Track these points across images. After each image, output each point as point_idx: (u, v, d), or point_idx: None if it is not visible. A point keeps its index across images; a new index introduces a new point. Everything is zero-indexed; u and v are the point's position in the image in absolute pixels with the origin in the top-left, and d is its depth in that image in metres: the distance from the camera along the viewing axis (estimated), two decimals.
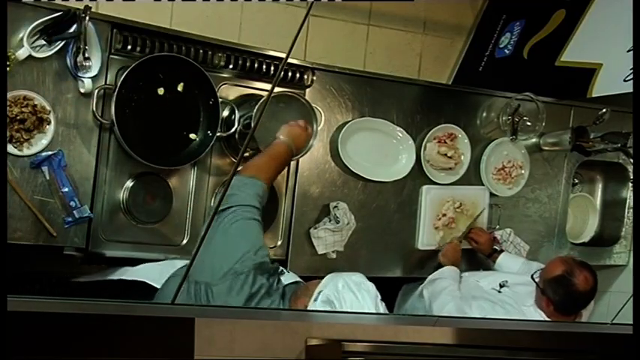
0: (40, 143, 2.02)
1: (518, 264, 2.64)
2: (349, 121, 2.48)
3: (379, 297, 1.70)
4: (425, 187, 2.66)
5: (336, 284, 1.68)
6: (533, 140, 2.83)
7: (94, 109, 2.06)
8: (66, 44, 2.01)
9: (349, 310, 1.62)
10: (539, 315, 2.29)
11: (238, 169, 1.98)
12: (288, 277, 1.91)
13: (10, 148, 1.97)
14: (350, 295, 1.65)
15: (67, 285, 2.40)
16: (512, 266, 2.63)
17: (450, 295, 2.38)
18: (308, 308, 1.68)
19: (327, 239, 2.45)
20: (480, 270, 2.72)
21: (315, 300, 1.68)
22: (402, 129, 2.58)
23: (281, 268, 1.92)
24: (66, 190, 2.04)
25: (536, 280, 2.29)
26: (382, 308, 1.69)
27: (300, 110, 2.28)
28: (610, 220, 3.15)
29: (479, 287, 2.49)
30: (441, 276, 2.51)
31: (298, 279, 1.94)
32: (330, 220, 2.47)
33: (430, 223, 2.67)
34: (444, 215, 2.69)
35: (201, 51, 2.21)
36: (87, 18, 1.98)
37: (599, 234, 3.16)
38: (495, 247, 2.70)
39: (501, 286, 2.45)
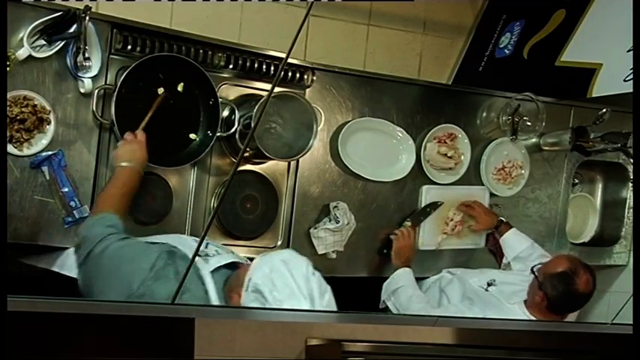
0: (40, 143, 2.01)
1: (524, 245, 2.61)
2: (349, 121, 2.48)
3: (311, 270, 1.58)
4: (425, 187, 2.66)
5: (263, 269, 1.56)
6: (533, 140, 2.83)
7: (94, 109, 2.06)
8: (66, 44, 2.01)
9: (280, 295, 1.51)
10: (523, 313, 2.28)
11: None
12: (220, 259, 1.73)
13: (10, 148, 1.97)
14: (279, 277, 1.53)
15: (66, 285, 2.40)
16: (519, 245, 2.61)
17: (421, 303, 2.40)
18: (242, 299, 1.55)
19: (327, 239, 2.45)
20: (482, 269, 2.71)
21: (247, 289, 1.55)
22: (402, 129, 2.58)
23: (206, 251, 1.75)
24: (66, 190, 2.04)
25: (536, 273, 2.28)
26: (316, 280, 1.56)
27: (300, 110, 2.28)
28: (610, 220, 3.15)
29: (467, 284, 2.49)
30: (399, 284, 2.48)
31: (232, 258, 1.76)
32: (330, 220, 2.47)
33: (430, 223, 2.67)
34: (451, 220, 2.69)
35: (201, 51, 2.21)
36: (87, 18, 1.98)
37: (599, 234, 3.16)
38: (501, 218, 2.67)
39: (489, 284, 2.45)
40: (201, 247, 1.75)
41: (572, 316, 2.32)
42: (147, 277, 1.62)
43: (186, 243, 1.81)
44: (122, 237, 1.74)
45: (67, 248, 2.10)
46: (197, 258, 1.69)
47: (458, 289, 2.49)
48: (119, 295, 1.62)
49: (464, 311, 2.33)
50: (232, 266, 1.73)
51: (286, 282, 1.53)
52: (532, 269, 2.30)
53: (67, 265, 2.06)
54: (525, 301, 2.31)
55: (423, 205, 2.65)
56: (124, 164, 1.96)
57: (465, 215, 2.70)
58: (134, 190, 1.97)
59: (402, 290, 2.47)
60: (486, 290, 2.44)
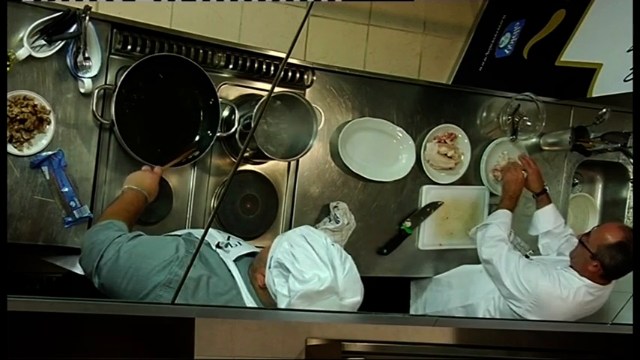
0: (40, 143, 2.01)
1: (559, 222, 2.65)
2: (349, 121, 2.48)
3: (330, 241, 1.67)
4: (425, 187, 2.66)
5: (283, 245, 1.64)
6: (533, 140, 2.82)
7: (94, 109, 2.06)
8: (66, 44, 2.01)
9: (301, 266, 1.58)
10: (573, 275, 2.33)
11: (239, 167, 1.96)
12: (241, 249, 1.82)
13: (10, 148, 1.97)
14: (299, 250, 1.61)
15: (66, 285, 2.40)
16: (555, 221, 2.64)
17: (502, 244, 2.44)
18: (266, 278, 1.64)
19: None
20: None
21: (270, 267, 1.64)
22: (402, 129, 2.58)
23: (227, 242, 1.82)
24: (66, 190, 2.04)
25: (586, 244, 2.31)
26: (336, 250, 1.65)
27: (300, 110, 2.28)
28: (610, 220, 3.15)
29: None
30: (490, 221, 2.54)
31: (253, 249, 1.86)
32: (330, 220, 2.46)
33: (430, 223, 2.67)
34: (447, 218, 2.69)
35: (201, 51, 2.21)
36: (87, 18, 1.98)
37: None
38: (546, 187, 2.69)
39: (527, 257, 2.50)
40: (223, 240, 1.82)
41: (611, 290, 2.40)
42: (172, 265, 1.66)
43: (201, 233, 1.85)
44: (133, 236, 1.75)
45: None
46: (218, 250, 1.77)
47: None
48: (146, 290, 1.65)
49: (529, 264, 2.38)
50: (253, 255, 1.80)
51: (307, 253, 1.61)
52: (580, 240, 2.35)
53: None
54: (572, 266, 2.37)
55: (422, 205, 2.65)
56: (132, 186, 1.98)
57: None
58: (138, 211, 1.98)
59: (492, 227, 2.51)
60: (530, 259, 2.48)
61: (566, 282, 2.31)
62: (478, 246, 2.52)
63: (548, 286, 2.31)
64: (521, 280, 2.33)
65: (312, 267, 1.59)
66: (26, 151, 2.00)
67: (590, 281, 2.32)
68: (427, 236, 2.67)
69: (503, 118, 2.71)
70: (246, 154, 2.29)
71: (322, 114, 2.38)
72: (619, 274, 2.33)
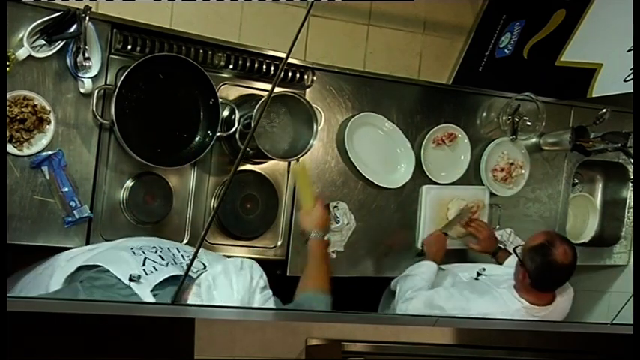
0: (40, 143, 2.01)
1: None
2: (354, 116, 2.48)
3: (261, 285, 1.53)
4: (425, 187, 2.65)
5: (217, 266, 1.55)
6: (533, 140, 2.82)
7: (94, 109, 2.06)
8: (66, 44, 2.01)
9: (217, 297, 1.47)
10: (512, 295, 2.25)
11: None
12: (158, 274, 1.66)
13: (10, 148, 1.97)
14: (222, 280, 1.50)
15: None
16: None
17: (416, 293, 2.36)
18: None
19: None
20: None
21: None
22: (406, 141, 2.58)
23: (142, 270, 1.67)
24: (66, 190, 2.04)
25: (518, 252, 2.25)
26: (258, 298, 1.51)
27: (300, 110, 2.28)
28: (610, 220, 3.15)
29: (457, 277, 2.48)
30: (412, 272, 2.47)
31: (177, 271, 1.70)
32: (330, 220, 2.46)
33: (430, 223, 2.67)
34: (447, 219, 2.69)
35: (201, 51, 2.21)
36: (87, 18, 1.98)
37: (599, 234, 3.16)
38: (500, 245, 2.65)
39: (479, 274, 2.45)
40: (137, 267, 1.70)
41: (561, 309, 2.29)
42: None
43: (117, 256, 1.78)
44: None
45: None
46: (132, 284, 1.61)
47: (449, 280, 2.49)
48: None
49: (453, 294, 2.31)
50: (177, 278, 1.64)
51: (225, 288, 1.50)
52: (514, 249, 2.28)
53: None
54: (515, 286, 2.28)
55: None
56: (311, 234, 2.07)
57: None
58: (327, 256, 2.12)
59: (410, 278, 2.44)
60: (476, 279, 2.43)
61: (504, 303, 2.24)
62: (395, 301, 2.43)
63: (482, 309, 2.23)
64: (451, 313, 2.25)
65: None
66: (26, 151, 2.00)
67: (528, 303, 2.21)
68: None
69: (503, 118, 2.71)
70: (246, 154, 2.29)
71: (322, 114, 2.38)
72: (543, 280, 2.19)
